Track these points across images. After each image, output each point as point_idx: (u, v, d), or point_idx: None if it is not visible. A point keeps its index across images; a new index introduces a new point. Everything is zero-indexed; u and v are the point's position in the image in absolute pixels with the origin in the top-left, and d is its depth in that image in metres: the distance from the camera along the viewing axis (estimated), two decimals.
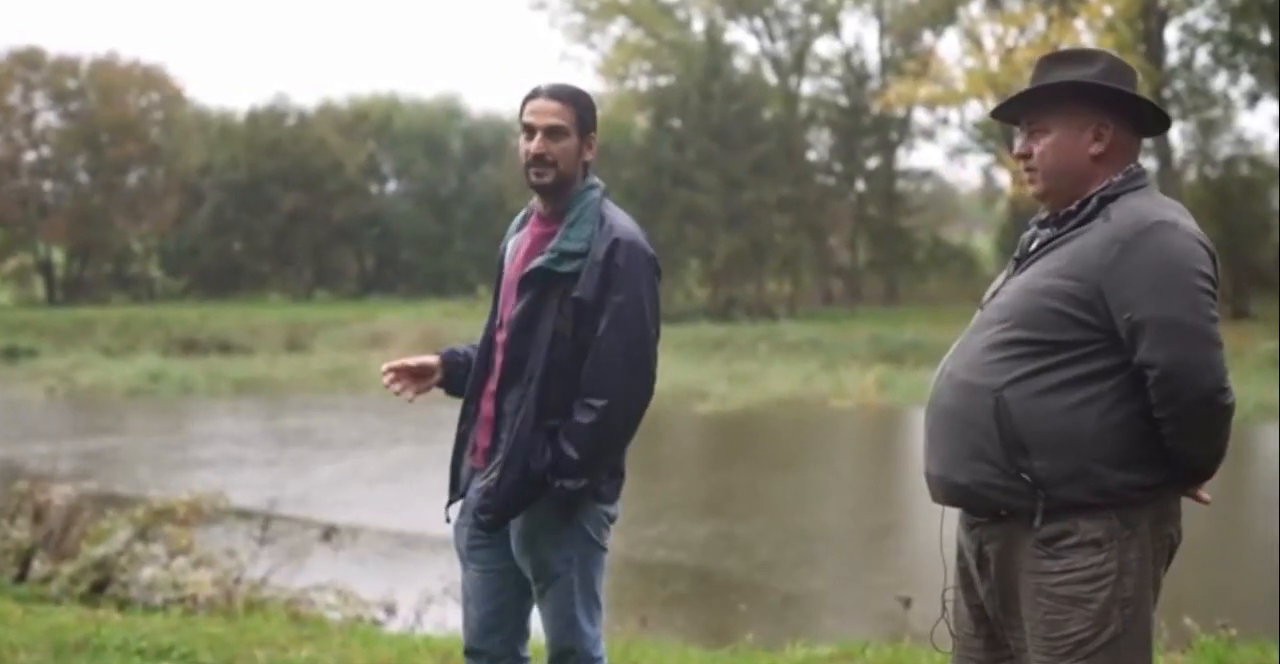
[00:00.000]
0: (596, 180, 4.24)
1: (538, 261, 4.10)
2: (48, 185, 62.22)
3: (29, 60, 60.86)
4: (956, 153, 55.91)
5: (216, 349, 43.82)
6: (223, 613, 8.09)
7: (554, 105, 4.14)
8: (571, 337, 4.04)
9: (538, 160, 4.13)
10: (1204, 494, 3.47)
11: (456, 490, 4.30)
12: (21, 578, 10.12)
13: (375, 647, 6.34)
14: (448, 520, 4.33)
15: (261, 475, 19.23)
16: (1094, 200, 3.37)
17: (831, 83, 57.44)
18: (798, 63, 55.93)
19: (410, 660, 6.00)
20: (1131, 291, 3.20)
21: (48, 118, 62.17)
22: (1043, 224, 3.50)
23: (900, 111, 53.36)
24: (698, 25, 55.18)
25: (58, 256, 62.27)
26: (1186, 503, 3.48)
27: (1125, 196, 3.36)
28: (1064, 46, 41.07)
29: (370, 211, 63.41)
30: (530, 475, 4.01)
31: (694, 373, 34.38)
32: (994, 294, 3.50)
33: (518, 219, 4.39)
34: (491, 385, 4.19)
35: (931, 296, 50.34)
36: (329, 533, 12.01)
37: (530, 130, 4.15)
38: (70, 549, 10.58)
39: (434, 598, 9.08)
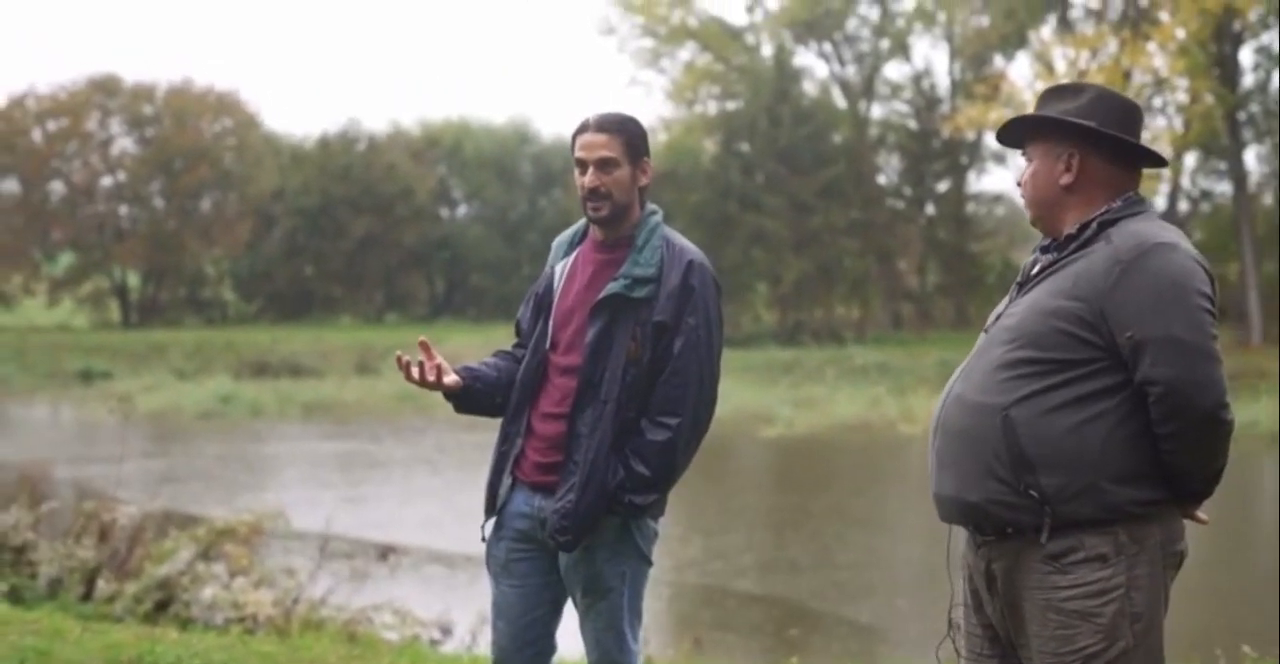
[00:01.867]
0: (655, 207, 4.32)
1: (612, 288, 4.17)
2: (124, 210, 63.08)
3: (106, 87, 61.81)
4: None
5: (287, 372, 44.17)
6: (278, 632, 8.14)
7: (602, 138, 4.22)
8: (641, 360, 4.13)
9: (593, 194, 4.22)
10: (1201, 515, 3.50)
11: (493, 508, 4.35)
12: (87, 597, 10.22)
13: None
14: (483, 539, 4.38)
15: (323, 496, 19.34)
16: (1094, 225, 3.46)
17: (901, 106, 57.34)
18: (867, 86, 55.84)
19: None
20: (1132, 311, 3.28)
21: (124, 143, 63.08)
22: (1045, 249, 3.59)
23: (970, 135, 53.11)
24: (766, 50, 55.22)
25: (133, 280, 63.08)
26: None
27: (1125, 221, 3.45)
28: (1136, 70, 40.69)
29: (440, 236, 63.89)
30: (605, 494, 4.10)
31: (760, 397, 34.30)
32: (998, 317, 3.58)
33: (563, 241, 4.43)
34: (549, 406, 4.25)
35: None
36: (386, 553, 12.08)
37: (583, 165, 4.22)
38: (134, 568, 10.69)
39: (490, 619, 9.10)
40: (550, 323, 4.31)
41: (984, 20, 51.97)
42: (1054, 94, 3.61)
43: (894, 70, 63.61)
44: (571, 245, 4.39)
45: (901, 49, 55.37)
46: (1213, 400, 3.27)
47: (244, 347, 48.09)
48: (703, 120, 55.20)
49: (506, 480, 4.32)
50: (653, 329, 4.12)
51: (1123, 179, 3.55)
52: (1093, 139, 3.51)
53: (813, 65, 70.12)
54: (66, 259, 63.71)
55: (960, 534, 3.61)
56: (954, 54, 54.72)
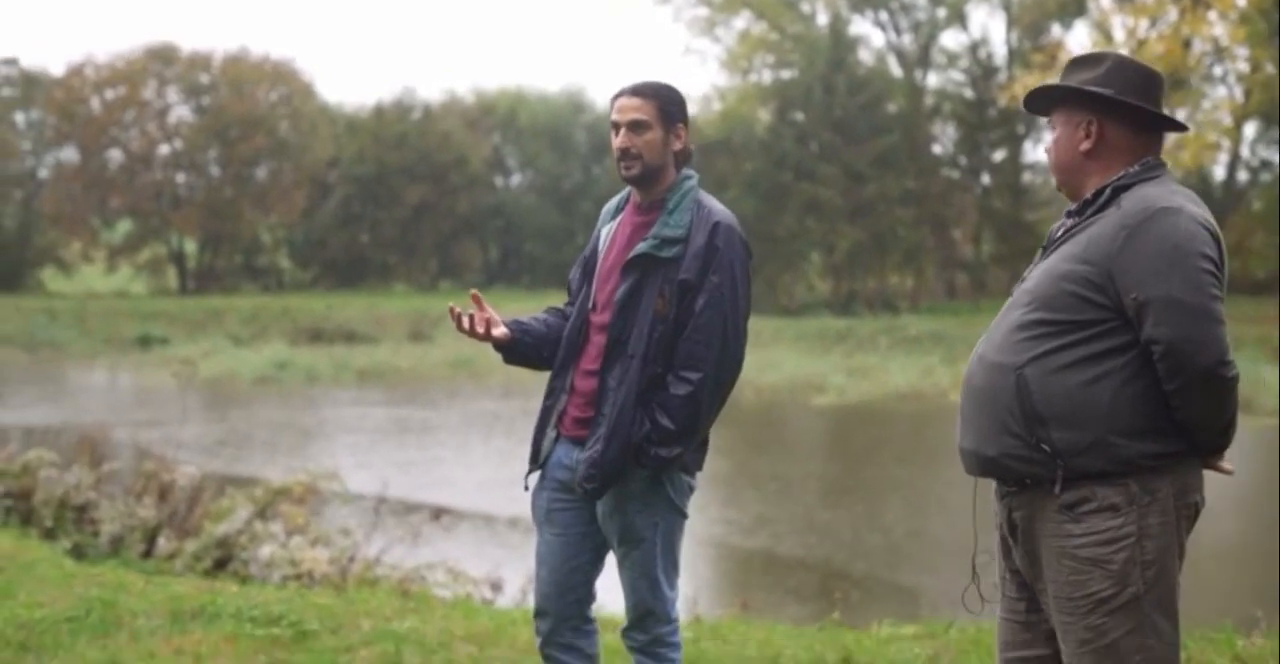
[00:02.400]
0: (691, 171, 4.45)
1: (641, 247, 4.31)
2: (180, 178, 63.55)
3: (163, 56, 62.22)
4: None
5: (342, 338, 44.51)
6: (334, 588, 8.30)
7: (635, 101, 4.37)
8: (668, 317, 4.26)
9: (624, 154, 4.37)
10: (1226, 465, 3.64)
11: (537, 460, 4.50)
12: (148, 554, 10.42)
13: (475, 619, 6.52)
14: (526, 488, 4.54)
15: (377, 460, 19.56)
16: (1109, 190, 3.60)
17: (957, 76, 56.98)
18: (923, 56, 55.55)
19: (507, 632, 6.17)
20: (1137, 273, 3.42)
21: (181, 112, 63.51)
22: (1069, 214, 3.73)
23: None
24: (822, 18, 55.01)
25: (190, 247, 63.61)
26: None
27: (1138, 186, 3.58)
28: (1195, 38, 40.18)
29: (494, 204, 64.10)
30: (630, 445, 4.22)
31: (813, 366, 34.34)
32: (1023, 280, 3.73)
33: (610, 207, 4.60)
34: (587, 363, 4.39)
35: None
36: (438, 514, 12.25)
37: (616, 127, 4.39)
38: (194, 527, 10.90)
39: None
40: (593, 283, 4.48)
41: None
42: (1076, 64, 3.74)
43: (950, 39, 63.47)
44: (618, 210, 4.56)
45: (958, 18, 55.03)
46: (1213, 358, 3.40)
47: (299, 313, 48.47)
48: (757, 89, 55.08)
49: (550, 434, 4.48)
50: (678, 287, 4.25)
51: (1141, 145, 3.68)
52: (1110, 107, 3.64)
53: (868, 34, 69.95)
54: (124, 226, 64.31)
55: (989, 486, 3.75)
56: (1011, 23, 54.29)
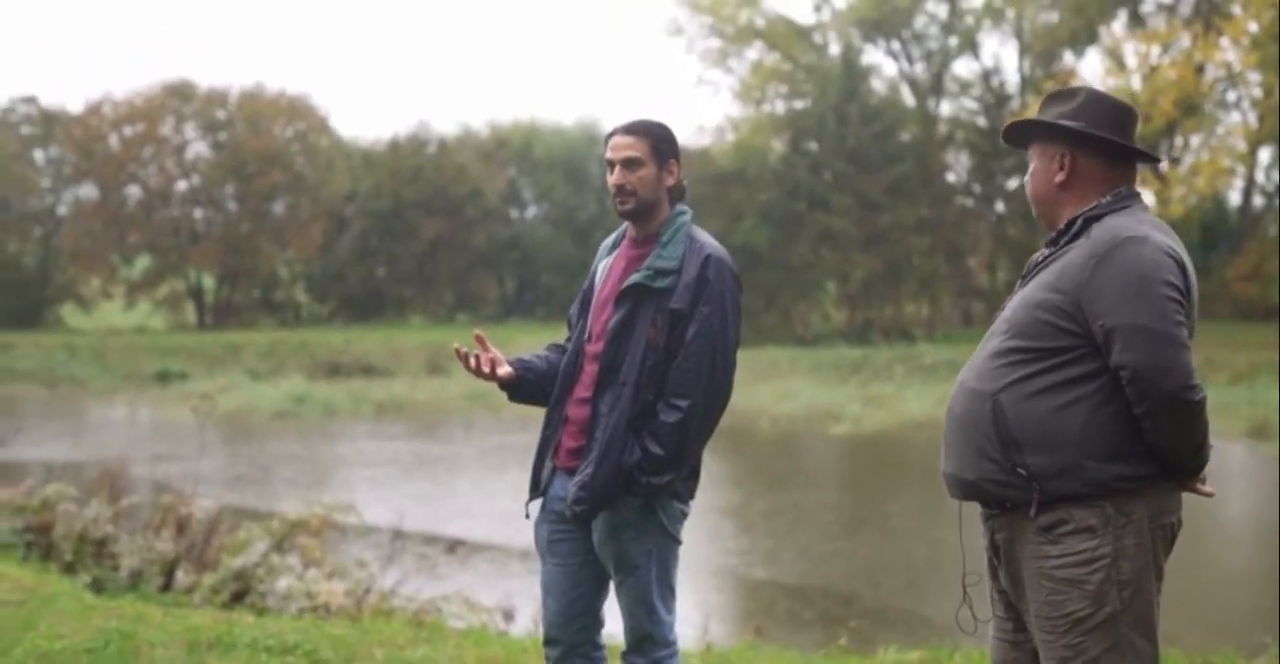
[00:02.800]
0: (684, 207, 4.61)
1: (634, 278, 4.46)
2: (198, 213, 63.94)
3: (181, 92, 62.68)
4: None
5: (360, 372, 44.69)
6: (350, 619, 8.39)
7: (629, 139, 4.53)
8: (659, 346, 4.39)
9: (619, 190, 4.52)
10: (1205, 487, 3.74)
11: (537, 489, 4.63)
12: (167, 587, 10.49)
13: (487, 648, 6.62)
14: (527, 516, 4.67)
15: (394, 493, 19.65)
16: (1080, 221, 3.74)
17: (970, 103, 57.12)
18: (936, 84, 55.71)
19: (518, 660, 6.26)
20: (1104, 301, 3.55)
21: (198, 148, 63.97)
22: (1047, 244, 3.86)
23: None
24: (834, 48, 55.20)
25: (208, 283, 63.94)
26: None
27: (1109, 216, 3.72)
28: (1208, 64, 40.22)
29: (510, 237, 64.34)
30: (620, 470, 4.34)
31: (829, 395, 34.37)
32: (1002, 309, 3.87)
33: (608, 243, 4.75)
34: (581, 392, 4.52)
35: None
36: (454, 546, 12.34)
37: (611, 165, 4.54)
38: (211, 560, 10.97)
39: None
40: (589, 315, 4.61)
41: (1054, 16, 51.73)
42: (1051, 99, 3.90)
43: (963, 67, 63.53)
44: (614, 246, 4.71)
45: (970, 46, 55.20)
46: (1177, 382, 3.50)
47: (317, 347, 48.67)
48: (770, 119, 55.25)
49: (549, 465, 4.61)
50: (670, 317, 4.39)
51: (1114, 176, 3.81)
52: (1081, 140, 3.79)
53: (881, 63, 69.96)
54: (143, 262, 64.68)
55: (969, 510, 3.88)
56: (1023, 50, 54.44)
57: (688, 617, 9.45)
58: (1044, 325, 3.63)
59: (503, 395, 4.69)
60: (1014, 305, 3.77)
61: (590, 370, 4.51)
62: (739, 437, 30.11)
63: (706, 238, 4.55)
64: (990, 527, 3.78)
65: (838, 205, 50.07)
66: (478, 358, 4.53)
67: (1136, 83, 46.12)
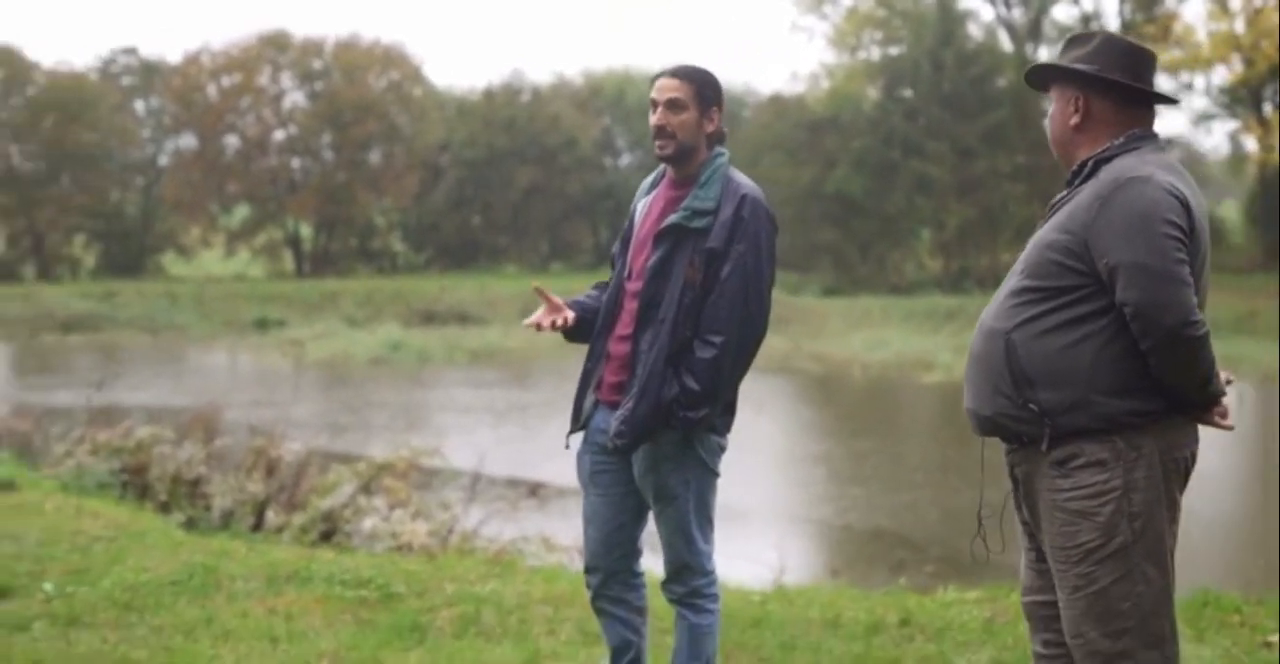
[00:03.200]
0: (722, 149, 4.67)
1: (672, 218, 4.55)
2: (295, 163, 64.56)
3: (277, 43, 63.21)
4: (1201, 119, 54.25)
5: (454, 320, 45.08)
6: (428, 556, 8.59)
7: (674, 82, 4.60)
8: (696, 283, 4.48)
9: (659, 132, 4.60)
10: (1223, 421, 3.81)
11: (578, 422, 4.77)
12: (258, 527, 10.77)
13: (554, 583, 6.75)
14: (567, 447, 4.83)
15: (482, 437, 19.87)
16: (1091, 162, 3.82)
17: None
18: (1034, 29, 54.89)
19: (583, 595, 6.36)
20: (1107, 240, 3.63)
21: (295, 98, 64.49)
22: (1066, 185, 3.94)
23: None
24: None
25: (305, 231, 64.63)
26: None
27: (1118, 157, 3.79)
28: None
29: (604, 185, 64.41)
30: (660, 405, 4.45)
31: (922, 343, 34.25)
32: (1022, 251, 3.95)
33: (647, 182, 4.85)
34: (621, 329, 4.63)
35: None
36: (535, 489, 12.52)
37: (654, 104, 4.62)
38: (300, 501, 11.25)
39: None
40: (628, 254, 4.72)
41: None
42: (1070, 43, 3.99)
43: (1062, 12, 62.56)
44: (653, 186, 4.80)
45: None
46: (1177, 318, 3.57)
47: (412, 295, 49.11)
48: (865, 66, 54.82)
49: (590, 398, 4.73)
50: (706, 256, 4.47)
51: (1128, 118, 3.87)
52: (1094, 83, 3.86)
53: (978, 8, 69.21)
54: (242, 211, 65.51)
55: (990, 444, 4.01)
56: None
57: (762, 556, 9.57)
58: (1053, 265, 3.72)
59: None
60: (1029, 247, 3.86)
61: (630, 308, 4.60)
62: (831, 384, 30.14)
63: (743, 179, 4.62)
64: (1010, 461, 3.89)
65: (933, 152, 49.66)
66: (552, 322, 4.66)
67: (1240, 26, 45.27)
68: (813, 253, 51.39)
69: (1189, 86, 53.50)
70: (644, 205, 4.75)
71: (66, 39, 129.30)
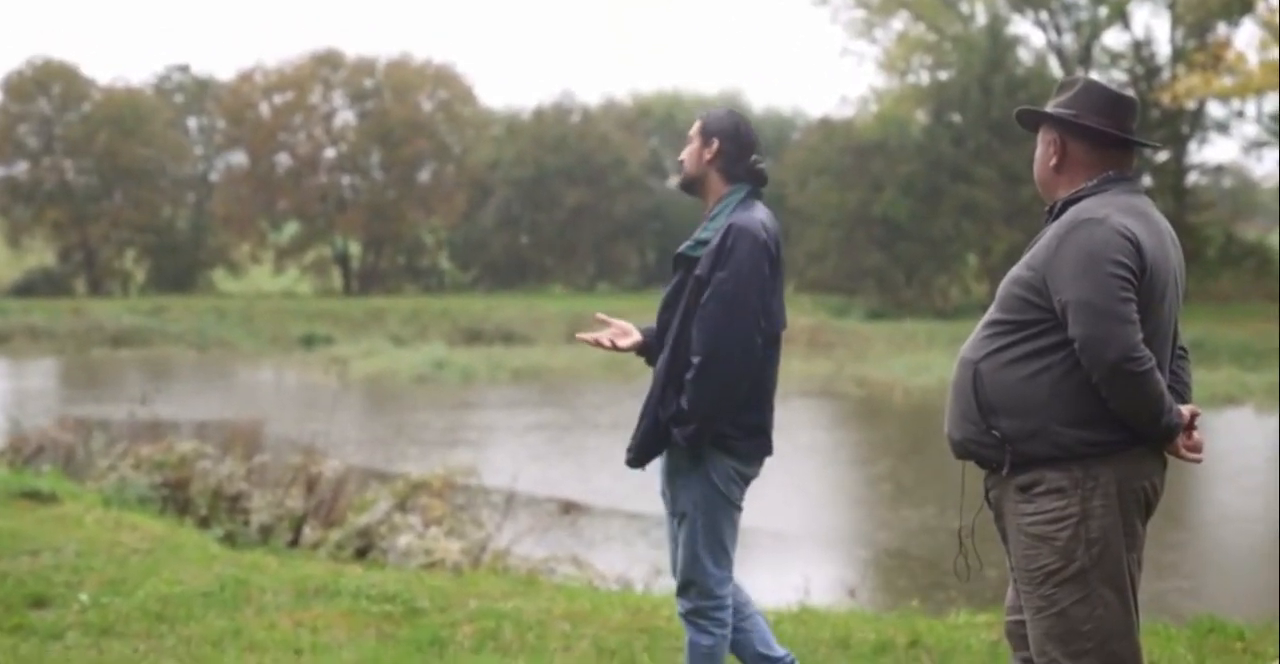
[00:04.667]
0: (741, 185, 4.93)
1: (681, 249, 4.88)
2: (345, 180, 65.06)
3: (329, 61, 63.81)
4: (1253, 147, 53.99)
5: (500, 339, 45.31)
6: (455, 572, 8.73)
7: (695, 124, 5.04)
8: (693, 311, 4.74)
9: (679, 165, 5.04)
10: (1191, 454, 3.96)
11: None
12: (295, 543, 10.94)
13: (576, 600, 6.90)
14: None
15: (520, 456, 20.01)
16: (1060, 203, 4.04)
17: (1120, 75, 56.01)
18: (1085, 55, 54.79)
19: (603, 612, 6.54)
20: (1061, 278, 3.84)
21: (346, 116, 65.06)
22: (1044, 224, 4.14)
23: (1191, 104, 51.74)
24: (981, 19, 54.55)
25: (354, 248, 65.10)
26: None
27: (1085, 199, 3.99)
28: None
29: (651, 206, 64.54)
30: (657, 423, 4.72)
31: None
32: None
33: None
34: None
35: (1223, 294, 48.73)
36: (568, 508, 12.67)
37: None
38: (338, 517, 11.42)
39: (663, 570, 9.63)
40: None
41: None
42: (1059, 88, 4.20)
43: (1113, 38, 62.35)
44: None
45: (1120, 16, 54.18)
46: (1118, 354, 3.76)
47: (459, 314, 49.38)
48: (914, 90, 54.82)
49: None
50: (694, 283, 4.76)
51: (1104, 160, 4.07)
52: (1070, 127, 4.07)
53: (1028, 34, 68.95)
54: (291, 228, 66.04)
55: (971, 468, 4.17)
56: (1175, 21, 53.36)
57: (789, 581, 9.68)
58: (1017, 300, 3.93)
59: (640, 362, 5.05)
60: (1003, 282, 4.06)
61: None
62: (872, 407, 30.14)
63: (749, 211, 4.83)
64: (986, 484, 4.08)
65: (980, 177, 49.63)
66: (612, 342, 4.93)
67: None
68: (858, 276, 51.45)
69: (1240, 114, 53.34)
70: None
71: (122, 56, 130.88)
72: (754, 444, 4.77)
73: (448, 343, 43.16)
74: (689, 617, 4.80)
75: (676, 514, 4.79)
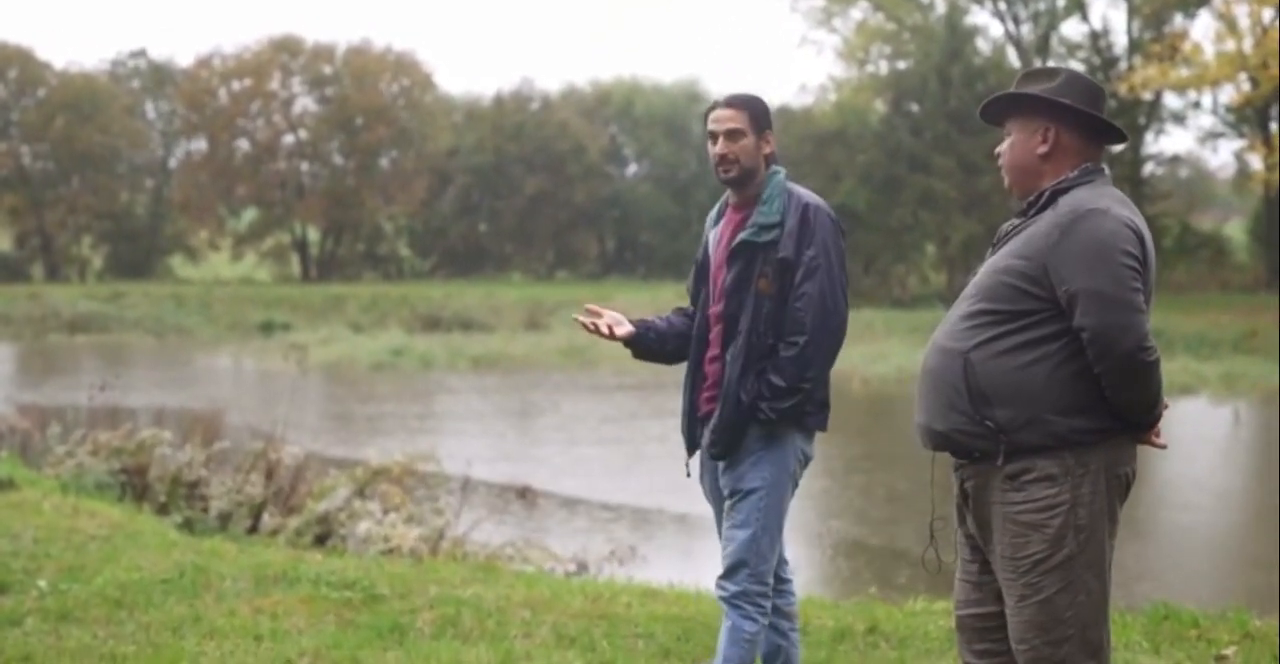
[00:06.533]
0: (778, 167, 4.96)
1: (742, 236, 4.85)
2: (304, 167, 64.90)
3: (288, 47, 63.56)
4: (1208, 138, 54.41)
5: (458, 326, 45.23)
6: (416, 559, 8.76)
7: (730, 112, 4.93)
8: (773, 294, 4.78)
9: (722, 160, 4.91)
10: (1158, 440, 4.04)
11: (694, 447, 5.02)
12: (254, 530, 10.93)
13: (535, 588, 6.94)
14: (687, 475, 5.07)
15: (477, 443, 20.04)
16: (1047, 193, 4.02)
17: (1077, 66, 56.27)
18: (1042, 46, 55.03)
19: (563, 599, 6.58)
20: (1067, 268, 3.83)
21: (305, 102, 64.89)
22: (1018, 214, 4.13)
23: (1148, 95, 52.07)
24: (940, 9, 54.75)
25: (313, 236, 64.91)
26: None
27: (1075, 189, 3.99)
28: None
29: (611, 194, 64.64)
30: (741, 406, 4.75)
31: None
32: (974, 274, 4.15)
33: (713, 215, 5.14)
34: (712, 351, 4.93)
35: (1179, 285, 49.06)
36: (524, 492, 12.74)
37: (714, 136, 4.93)
38: (297, 504, 11.42)
39: (620, 557, 9.71)
40: (708, 283, 5.01)
41: None
42: (1030, 77, 4.17)
43: (1071, 29, 62.68)
44: (719, 216, 5.09)
45: (1078, 7, 54.42)
46: (1133, 343, 3.79)
47: (418, 301, 49.30)
48: (873, 80, 55.00)
49: (696, 423, 5.00)
50: (778, 266, 4.78)
51: (1086, 151, 4.08)
52: (1065, 114, 4.05)
53: (987, 24, 69.37)
54: (250, 215, 65.86)
55: (940, 459, 4.19)
56: (1132, 13, 53.65)
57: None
58: (1010, 289, 3.91)
59: (599, 350, 5.08)
60: (983, 272, 4.05)
61: (717, 330, 4.90)
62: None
63: (803, 190, 4.91)
64: (960, 475, 4.06)
65: (938, 167, 49.84)
66: (597, 325, 4.96)
67: (1248, 46, 45.36)
68: None
69: (1196, 105, 53.71)
70: (715, 235, 5.04)
71: (77, 40, 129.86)
72: (822, 418, 4.86)
73: (406, 330, 43.11)
74: (734, 599, 4.78)
75: (736, 493, 4.80)
